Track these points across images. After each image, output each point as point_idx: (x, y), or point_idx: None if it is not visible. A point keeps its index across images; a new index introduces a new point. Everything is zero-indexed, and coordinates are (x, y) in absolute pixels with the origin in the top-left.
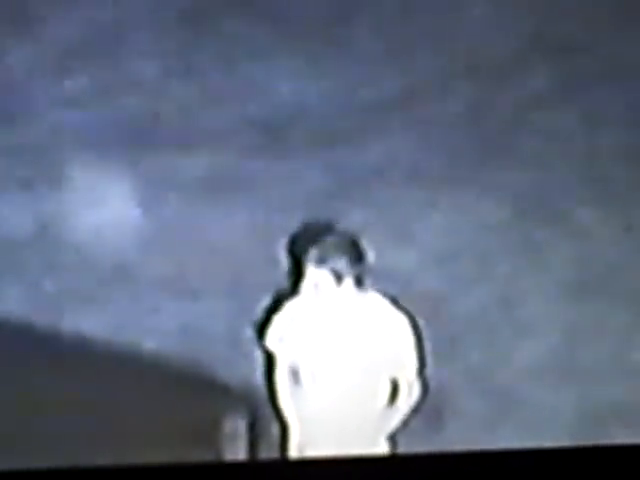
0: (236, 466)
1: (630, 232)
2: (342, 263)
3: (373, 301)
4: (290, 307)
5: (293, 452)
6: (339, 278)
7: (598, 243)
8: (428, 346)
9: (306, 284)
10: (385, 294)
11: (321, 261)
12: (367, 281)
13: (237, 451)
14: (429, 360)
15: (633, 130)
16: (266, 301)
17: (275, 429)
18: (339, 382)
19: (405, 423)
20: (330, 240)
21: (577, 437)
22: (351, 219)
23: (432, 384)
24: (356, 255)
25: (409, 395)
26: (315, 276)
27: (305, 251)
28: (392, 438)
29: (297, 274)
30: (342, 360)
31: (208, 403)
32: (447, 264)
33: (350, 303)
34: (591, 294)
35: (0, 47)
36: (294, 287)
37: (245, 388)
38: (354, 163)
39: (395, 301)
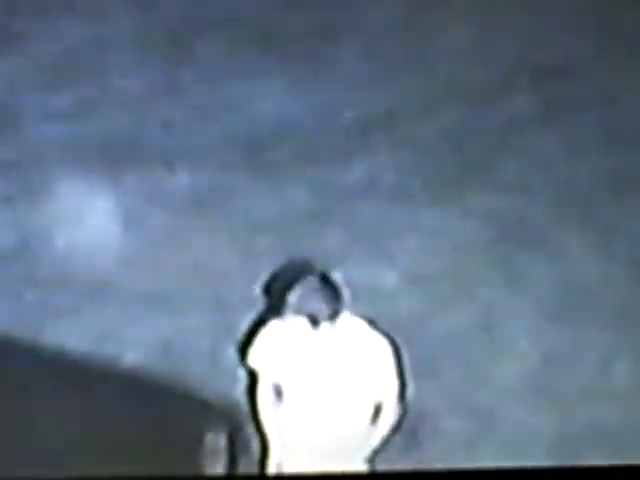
0: None
1: None
2: (320, 308)
3: (354, 323)
4: (273, 325)
5: (272, 468)
6: (315, 323)
7: (578, 266)
8: (407, 366)
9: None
10: (364, 315)
11: (299, 310)
12: (347, 302)
13: (217, 466)
14: (408, 379)
15: (613, 154)
16: (249, 318)
17: (255, 445)
18: (320, 401)
19: (384, 442)
20: (307, 285)
21: (555, 457)
22: (332, 238)
23: (411, 403)
24: (333, 296)
25: (390, 417)
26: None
27: (282, 297)
28: (370, 456)
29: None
30: (323, 380)
31: (189, 418)
32: (427, 284)
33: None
34: (570, 316)
35: None
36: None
37: (226, 403)
38: (337, 182)
39: (374, 323)
